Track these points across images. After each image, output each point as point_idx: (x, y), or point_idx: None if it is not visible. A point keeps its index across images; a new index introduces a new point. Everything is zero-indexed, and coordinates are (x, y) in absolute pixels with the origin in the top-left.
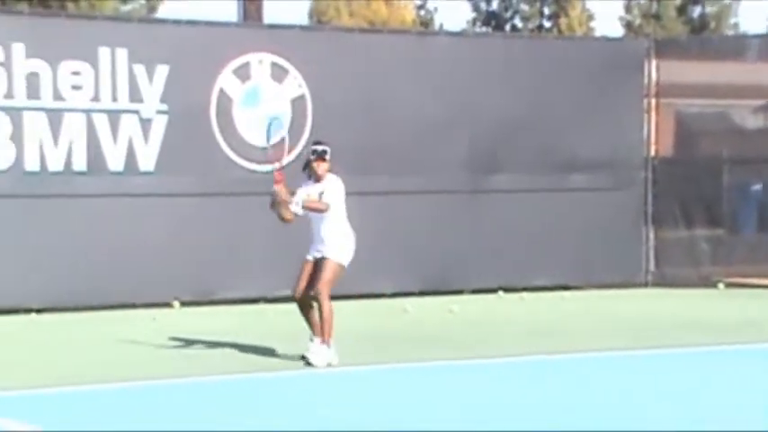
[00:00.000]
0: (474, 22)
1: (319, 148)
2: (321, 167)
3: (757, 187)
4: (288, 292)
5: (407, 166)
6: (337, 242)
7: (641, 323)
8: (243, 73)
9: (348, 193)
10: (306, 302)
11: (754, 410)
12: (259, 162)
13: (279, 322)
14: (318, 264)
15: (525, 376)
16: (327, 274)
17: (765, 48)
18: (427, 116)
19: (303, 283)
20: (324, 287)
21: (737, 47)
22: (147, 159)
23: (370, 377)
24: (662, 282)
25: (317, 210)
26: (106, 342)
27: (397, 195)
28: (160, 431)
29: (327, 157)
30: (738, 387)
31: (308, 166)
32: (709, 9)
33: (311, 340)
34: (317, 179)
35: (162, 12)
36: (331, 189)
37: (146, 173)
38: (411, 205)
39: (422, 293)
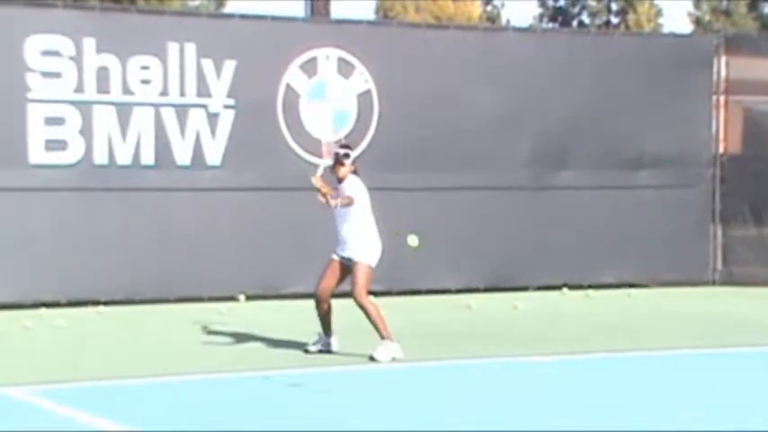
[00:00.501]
0: (541, 17)
1: (341, 151)
2: (341, 171)
3: None
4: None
5: (473, 163)
6: (362, 243)
7: (707, 322)
8: (309, 68)
9: (413, 189)
10: (325, 301)
11: None
12: (324, 157)
13: (343, 317)
14: (346, 267)
15: (589, 373)
16: (360, 280)
17: None
18: (493, 112)
19: (325, 282)
20: (361, 293)
21: None
22: (214, 153)
23: (432, 373)
24: (729, 280)
25: (344, 204)
26: (173, 335)
27: (463, 191)
28: (227, 423)
29: (347, 161)
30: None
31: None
32: None
33: (319, 338)
34: (339, 181)
35: (230, 7)
36: (351, 190)
37: (212, 167)
38: (476, 201)
39: (486, 290)
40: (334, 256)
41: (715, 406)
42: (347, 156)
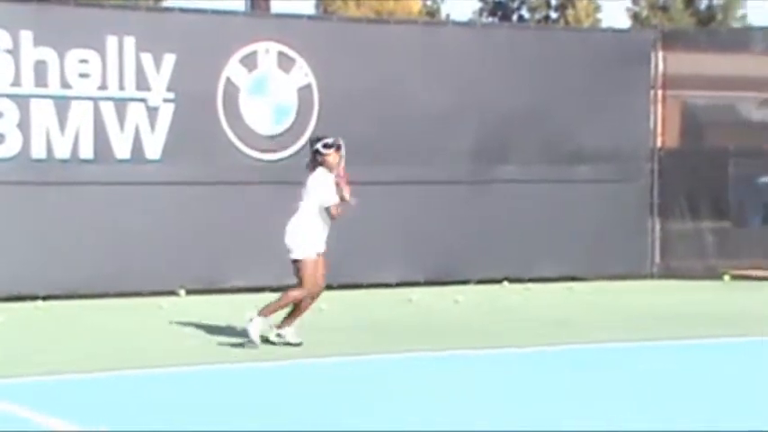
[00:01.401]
0: (481, 12)
1: (319, 145)
2: (334, 160)
3: (764, 180)
4: (293, 281)
5: (413, 157)
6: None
7: (645, 315)
8: (250, 62)
9: (354, 183)
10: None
11: (757, 405)
12: (265, 150)
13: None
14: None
15: (527, 366)
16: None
17: None
18: (433, 107)
19: (322, 279)
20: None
21: (744, 39)
22: (154, 147)
23: (369, 367)
24: (667, 273)
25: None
26: (112, 330)
27: (403, 185)
28: (170, 418)
29: (330, 150)
30: (742, 381)
31: (318, 160)
32: (717, 1)
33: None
34: (332, 170)
35: (170, 1)
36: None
37: (152, 161)
38: (417, 195)
39: (427, 283)
40: (319, 252)
41: (647, 399)
42: (327, 146)
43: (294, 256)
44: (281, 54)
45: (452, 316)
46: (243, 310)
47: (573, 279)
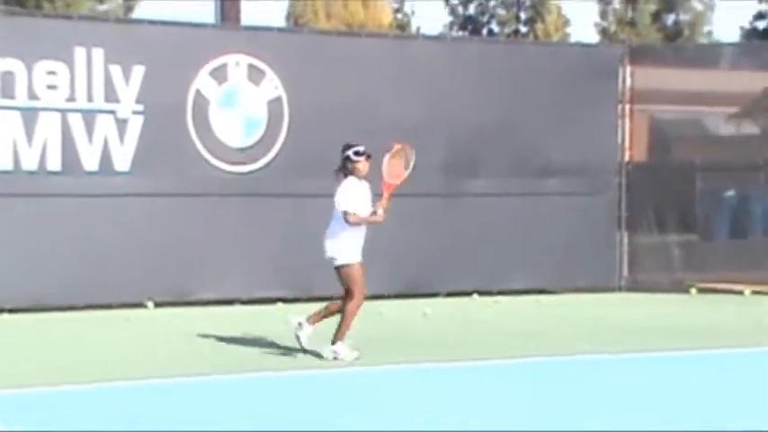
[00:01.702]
0: (451, 26)
1: (361, 148)
2: (364, 168)
3: (730, 194)
4: (264, 294)
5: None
6: None
7: (613, 328)
8: (219, 74)
9: (323, 196)
10: None
11: (724, 417)
12: (235, 163)
13: (254, 323)
14: None
15: (499, 378)
16: None
17: (738, 56)
18: (404, 120)
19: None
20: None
21: (711, 55)
22: (123, 159)
23: (341, 380)
24: (635, 287)
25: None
26: (80, 342)
27: (373, 198)
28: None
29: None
30: (709, 393)
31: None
32: (684, 17)
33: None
34: (361, 178)
35: (139, 12)
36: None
37: (121, 173)
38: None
39: (397, 296)
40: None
41: (616, 411)
42: (358, 153)
43: (339, 262)
44: (251, 66)
45: (424, 329)
46: (212, 322)
47: (542, 292)
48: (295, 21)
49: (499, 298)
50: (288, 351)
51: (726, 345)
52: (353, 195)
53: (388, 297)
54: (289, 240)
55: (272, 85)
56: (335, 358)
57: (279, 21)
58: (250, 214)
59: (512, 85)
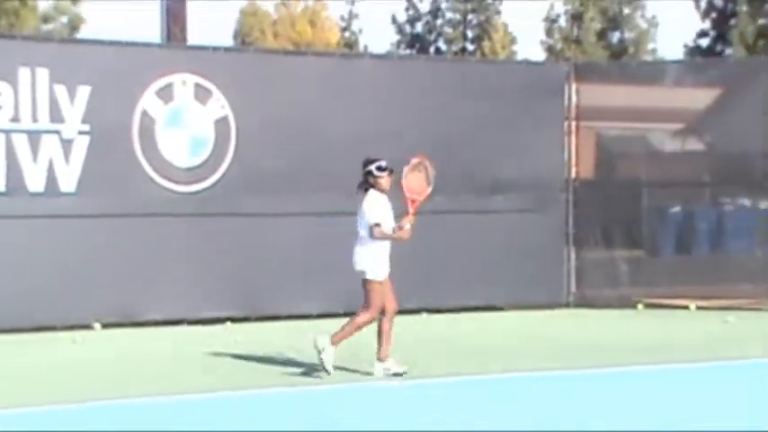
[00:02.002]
0: (399, 44)
1: (384, 163)
2: (387, 182)
3: (675, 210)
4: (212, 313)
5: (332, 188)
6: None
7: (563, 344)
8: (166, 94)
9: (272, 215)
10: None
11: (675, 428)
12: (182, 183)
13: (201, 343)
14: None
15: (452, 396)
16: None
17: (682, 73)
18: (351, 138)
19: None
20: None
21: (655, 72)
22: (68, 180)
23: (288, 400)
24: (583, 302)
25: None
26: (25, 366)
27: (322, 216)
28: None
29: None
30: (658, 408)
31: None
32: (629, 35)
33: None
34: (384, 192)
35: (84, 32)
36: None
37: (67, 194)
38: (338, 226)
39: (347, 314)
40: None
41: (569, 427)
42: (381, 168)
43: (367, 276)
44: (197, 86)
45: (370, 347)
46: (160, 342)
47: (491, 309)
48: (242, 40)
49: (449, 315)
50: (233, 370)
51: (672, 359)
52: (379, 209)
53: (339, 315)
54: (237, 260)
55: (219, 105)
56: (389, 373)
57: (227, 40)
58: (198, 234)
59: (459, 102)
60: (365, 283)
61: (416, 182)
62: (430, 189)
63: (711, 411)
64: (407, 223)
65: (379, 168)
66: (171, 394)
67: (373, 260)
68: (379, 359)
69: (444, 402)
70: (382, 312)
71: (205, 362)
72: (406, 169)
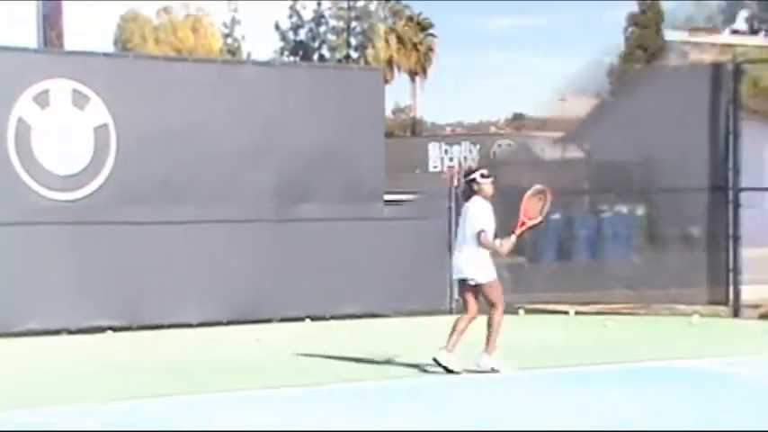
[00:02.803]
0: (282, 51)
1: (486, 171)
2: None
3: (556, 217)
4: (92, 323)
5: (215, 195)
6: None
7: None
8: (42, 100)
9: (153, 223)
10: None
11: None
12: (60, 190)
13: (81, 353)
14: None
15: (337, 402)
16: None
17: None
18: (234, 145)
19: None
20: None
21: None
22: None
23: (162, 410)
24: (465, 309)
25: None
26: None
27: (205, 224)
28: None
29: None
30: (533, 412)
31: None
32: None
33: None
34: (487, 198)
35: None
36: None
37: None
38: (218, 235)
39: (230, 323)
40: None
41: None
42: (484, 176)
43: (479, 280)
44: (75, 92)
45: (257, 354)
46: (36, 353)
47: (375, 316)
48: (123, 46)
49: (332, 322)
50: (111, 382)
51: (552, 364)
52: (483, 217)
53: (221, 324)
54: (117, 268)
55: (98, 111)
56: (493, 370)
57: (107, 46)
58: (77, 242)
59: (339, 109)
60: (481, 287)
61: (533, 208)
62: (539, 220)
63: (603, 414)
64: (509, 242)
65: (483, 176)
66: (43, 405)
67: (481, 265)
68: (486, 352)
69: (329, 409)
70: (465, 311)
71: (79, 372)
72: (529, 192)
